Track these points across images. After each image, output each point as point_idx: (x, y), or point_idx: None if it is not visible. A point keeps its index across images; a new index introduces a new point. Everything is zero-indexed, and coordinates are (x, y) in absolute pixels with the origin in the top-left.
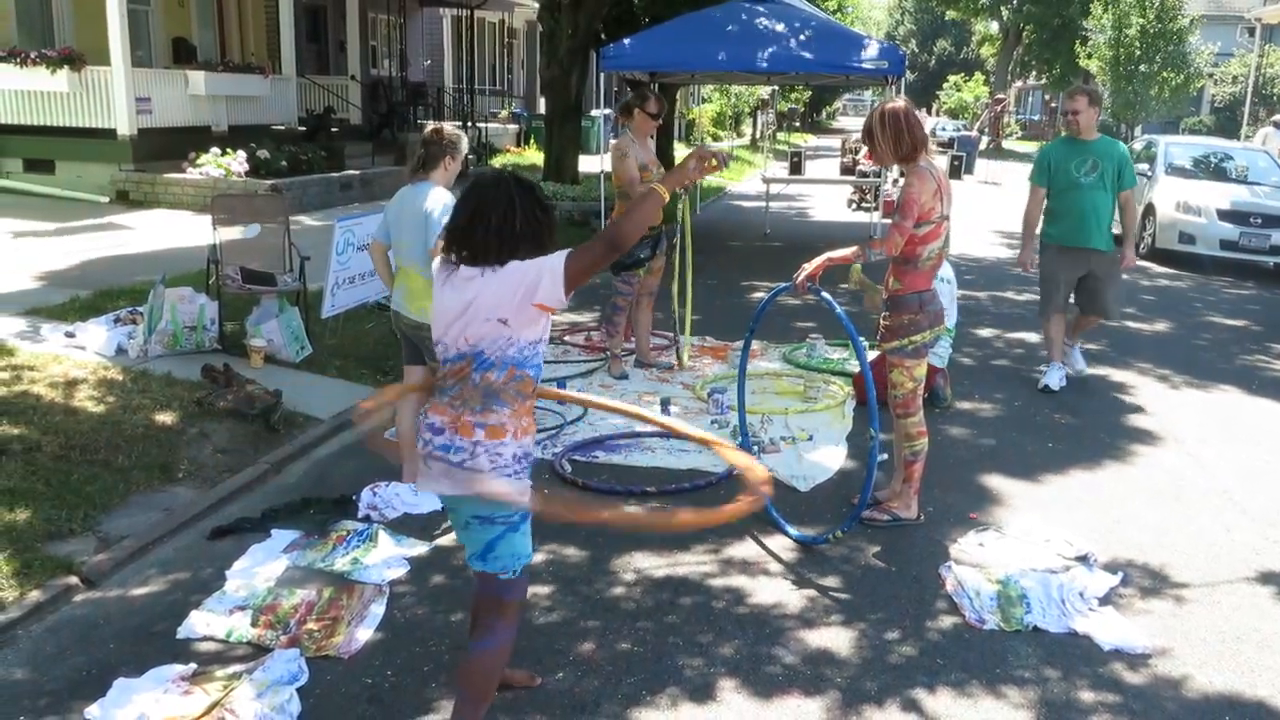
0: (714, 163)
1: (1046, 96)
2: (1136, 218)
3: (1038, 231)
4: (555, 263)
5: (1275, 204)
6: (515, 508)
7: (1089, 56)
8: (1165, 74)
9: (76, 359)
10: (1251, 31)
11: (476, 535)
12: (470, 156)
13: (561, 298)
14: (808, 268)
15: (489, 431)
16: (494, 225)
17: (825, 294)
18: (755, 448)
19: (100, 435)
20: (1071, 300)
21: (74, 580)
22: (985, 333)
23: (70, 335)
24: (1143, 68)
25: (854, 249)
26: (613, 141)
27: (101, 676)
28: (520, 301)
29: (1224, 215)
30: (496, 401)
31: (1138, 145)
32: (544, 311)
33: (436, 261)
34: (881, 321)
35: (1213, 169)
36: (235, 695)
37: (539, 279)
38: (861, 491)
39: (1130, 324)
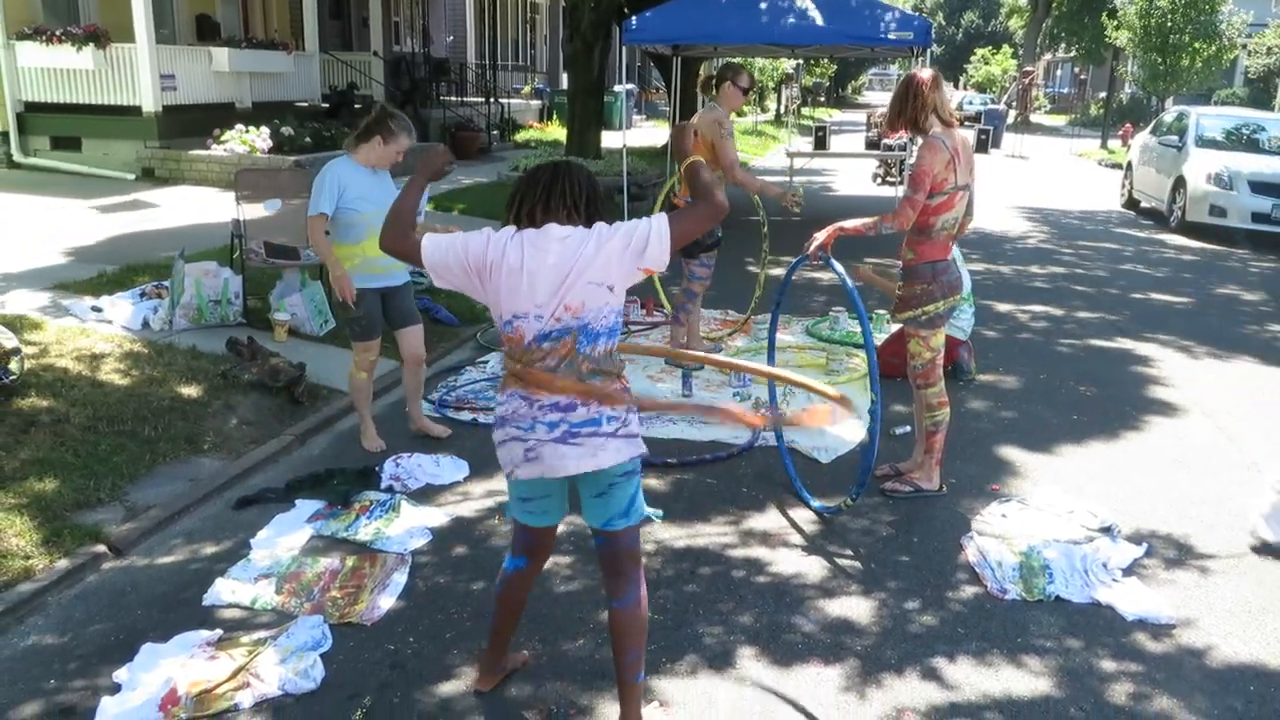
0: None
1: (1076, 69)
2: None
3: None
4: (660, 224)
5: None
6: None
7: (1117, 28)
8: (1197, 45)
9: (103, 333)
10: None
11: (621, 494)
12: (494, 133)
13: (666, 260)
14: (819, 237)
15: (631, 396)
16: (566, 185)
17: (836, 263)
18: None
19: (127, 407)
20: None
21: (102, 549)
22: (1008, 306)
23: (97, 309)
24: (1173, 39)
25: (865, 220)
26: (711, 116)
27: (129, 642)
28: (628, 266)
29: (1255, 187)
30: (618, 365)
31: (1168, 117)
32: (646, 275)
33: (459, 236)
34: (896, 292)
35: (1245, 141)
36: (260, 660)
37: (646, 240)
38: (864, 456)
39: (1154, 295)
